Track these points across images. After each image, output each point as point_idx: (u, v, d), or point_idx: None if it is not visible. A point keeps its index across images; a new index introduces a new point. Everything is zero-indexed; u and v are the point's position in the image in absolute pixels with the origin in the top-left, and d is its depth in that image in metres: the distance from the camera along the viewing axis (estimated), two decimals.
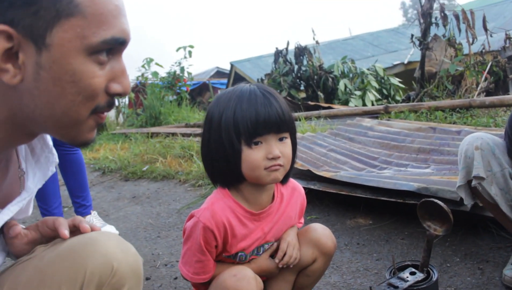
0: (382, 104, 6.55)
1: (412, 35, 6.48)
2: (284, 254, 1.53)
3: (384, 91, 7.59)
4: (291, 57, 8.98)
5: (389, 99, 7.54)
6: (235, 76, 16.74)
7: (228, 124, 1.36)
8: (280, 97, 1.44)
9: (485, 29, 6.14)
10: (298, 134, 4.54)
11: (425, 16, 6.09)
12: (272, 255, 1.57)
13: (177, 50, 10.50)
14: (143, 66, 10.54)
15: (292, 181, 1.61)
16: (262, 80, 9.02)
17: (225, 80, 18.68)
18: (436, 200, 1.56)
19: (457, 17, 6.01)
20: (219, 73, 22.56)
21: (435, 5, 6.39)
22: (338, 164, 3.55)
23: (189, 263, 1.44)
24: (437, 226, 1.62)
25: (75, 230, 1.09)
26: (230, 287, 1.36)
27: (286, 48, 9.09)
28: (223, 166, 1.41)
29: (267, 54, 15.62)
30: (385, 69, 7.97)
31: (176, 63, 10.62)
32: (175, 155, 5.63)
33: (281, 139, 1.40)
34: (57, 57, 0.85)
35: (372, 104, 7.15)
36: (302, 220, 1.72)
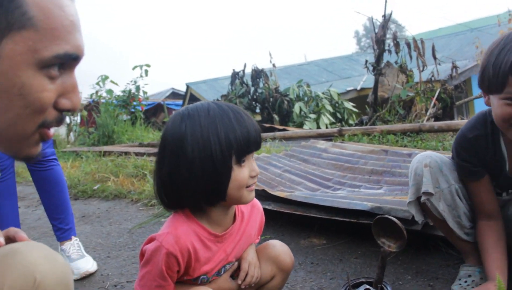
0: (336, 127, 6.68)
1: (366, 61, 6.69)
2: (246, 275, 1.51)
3: (338, 115, 7.75)
4: (247, 79, 9.06)
5: (343, 122, 7.70)
6: (190, 97, 16.71)
7: (220, 142, 1.32)
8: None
9: (434, 58, 6.42)
10: (254, 155, 4.56)
11: (379, 42, 6.30)
12: (232, 275, 1.54)
13: (133, 68, 10.40)
14: (97, 83, 10.37)
15: None
16: (218, 101, 8.99)
17: (180, 101, 18.60)
18: (390, 217, 1.58)
19: (408, 45, 6.25)
20: (174, 94, 22.44)
21: (388, 34, 6.63)
22: (293, 185, 3.57)
23: (148, 287, 1.39)
24: (391, 242, 1.64)
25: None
26: None
27: (243, 70, 9.16)
28: (205, 186, 1.35)
29: (223, 76, 15.72)
30: (339, 94, 8.15)
31: (131, 81, 10.50)
32: (128, 174, 5.52)
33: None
34: (5, 69, 0.82)
35: (326, 127, 7.27)
36: (259, 237, 1.71)
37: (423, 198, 1.83)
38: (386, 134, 5.00)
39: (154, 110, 20.21)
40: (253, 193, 1.42)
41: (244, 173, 1.37)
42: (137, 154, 6.79)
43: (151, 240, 1.39)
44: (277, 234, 3.06)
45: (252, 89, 8.89)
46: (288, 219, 3.13)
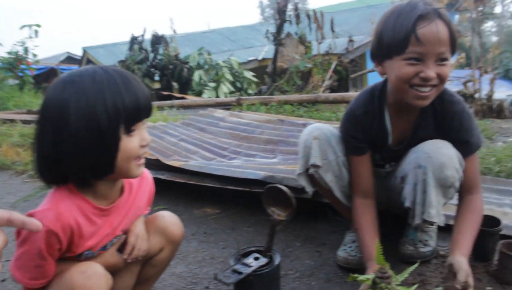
0: (235, 97, 6.67)
1: (267, 30, 6.69)
2: (133, 249, 1.43)
3: (238, 84, 7.74)
4: (147, 45, 8.71)
5: (242, 92, 7.70)
6: (87, 62, 15.86)
7: (107, 110, 1.20)
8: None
9: (333, 31, 6.58)
10: (149, 123, 4.41)
11: (280, 13, 6.33)
12: (120, 249, 1.45)
13: (21, 28, 9.54)
14: None
15: None
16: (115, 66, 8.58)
17: (76, 67, 17.55)
18: (279, 186, 1.58)
19: (309, 17, 6.35)
20: (70, 59, 21.11)
21: (290, 6, 6.67)
22: (188, 154, 3.50)
23: (26, 267, 1.26)
24: (280, 211, 1.64)
25: None
26: (78, 285, 1.22)
27: (143, 36, 8.79)
28: (91, 159, 1.23)
29: (123, 41, 15.03)
30: (240, 63, 8.12)
31: (19, 42, 9.65)
32: (13, 143, 5.11)
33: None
34: None
35: (226, 96, 7.23)
36: (149, 207, 1.64)
37: (311, 170, 1.85)
38: (284, 104, 5.08)
39: (47, 75, 18.87)
40: (142, 168, 1.34)
41: (134, 142, 1.27)
42: (24, 121, 6.33)
43: (29, 216, 1.26)
44: (171, 205, 2.99)
45: (152, 55, 8.58)
46: (183, 188, 3.07)
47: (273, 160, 3.18)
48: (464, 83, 6.23)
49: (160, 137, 3.94)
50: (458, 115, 1.73)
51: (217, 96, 7.24)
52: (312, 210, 2.54)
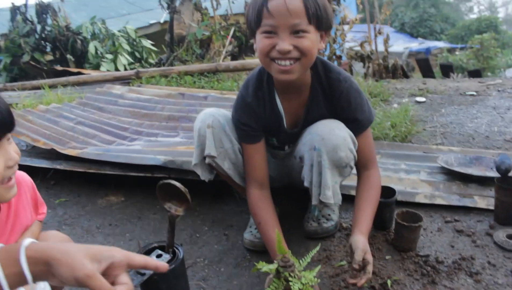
0: (135, 68, 6.43)
1: None
2: None
3: (137, 54, 7.43)
4: (32, 15, 8.03)
5: (142, 62, 7.43)
6: None
7: None
8: None
9: None
10: (42, 107, 4.13)
11: None
12: None
13: None
14: None
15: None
16: None
17: None
18: (172, 182, 1.54)
19: None
20: None
21: None
22: (87, 138, 3.34)
23: None
24: (177, 206, 1.61)
25: None
26: None
27: (25, 5, 8.06)
28: None
29: (3, 8, 13.75)
30: (136, 30, 7.77)
31: None
32: None
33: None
34: None
35: (125, 69, 6.94)
36: (44, 209, 1.53)
37: (207, 160, 1.83)
38: (184, 75, 4.96)
39: None
40: (13, 189, 1.21)
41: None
42: None
43: None
44: (73, 195, 2.86)
45: (39, 26, 7.93)
46: (84, 177, 2.93)
47: (175, 139, 3.13)
48: (361, 44, 6.43)
49: (55, 122, 3.71)
50: (346, 93, 1.75)
51: (116, 69, 6.92)
52: (218, 191, 2.54)
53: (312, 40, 1.54)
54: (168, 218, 1.65)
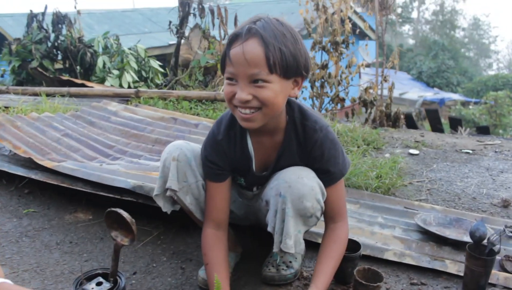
0: (138, 87, 6.45)
1: (170, 22, 6.48)
2: None
3: (144, 73, 7.47)
4: (48, 23, 8.15)
5: (148, 81, 7.46)
6: None
7: None
8: None
9: (236, 26, 6.50)
10: (34, 114, 4.12)
11: (184, 5, 6.16)
12: None
13: None
14: None
15: None
16: (9, 44, 7.97)
17: None
18: (120, 211, 1.49)
19: (212, 12, 6.23)
20: None
21: None
22: (69, 151, 3.30)
23: None
24: (124, 236, 1.55)
25: None
26: None
27: (43, 13, 8.20)
28: None
29: (20, 13, 14.03)
30: (146, 50, 7.83)
31: None
32: None
33: None
34: None
35: (129, 86, 6.97)
36: None
37: (168, 193, 1.77)
38: (182, 100, 4.95)
39: None
40: None
41: None
42: None
43: None
44: (43, 207, 2.81)
45: (53, 35, 8.04)
46: (57, 190, 2.89)
47: (155, 163, 3.08)
48: (365, 89, 6.42)
49: (42, 131, 3.69)
50: (320, 144, 1.69)
51: (120, 85, 6.95)
52: (186, 221, 2.47)
53: (273, 90, 1.49)
54: (114, 246, 1.59)
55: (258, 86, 1.47)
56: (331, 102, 6.35)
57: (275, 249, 1.71)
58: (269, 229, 1.74)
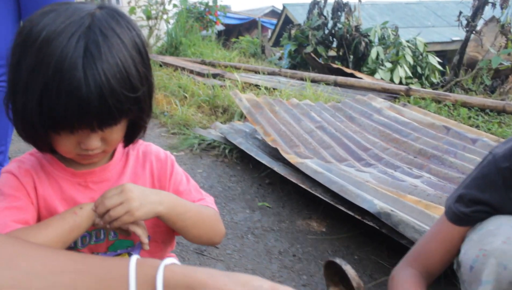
0: (408, 84, 5.84)
1: (461, 12, 5.59)
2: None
3: (419, 69, 6.78)
4: (328, 10, 8.15)
5: (423, 79, 6.75)
6: (285, 19, 15.94)
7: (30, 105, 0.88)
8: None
9: None
10: (294, 101, 3.95)
11: None
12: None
13: None
14: None
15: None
16: (290, 28, 8.26)
17: (275, 21, 17.88)
18: (346, 267, 1.01)
19: None
20: (273, 13, 21.78)
21: None
22: (319, 147, 2.97)
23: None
24: None
25: None
26: None
27: (325, 0, 8.23)
28: (29, 135, 0.94)
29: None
30: (426, 45, 7.09)
31: None
32: (170, 92, 5.12)
33: None
34: None
35: (400, 82, 6.39)
36: (201, 194, 1.15)
37: None
38: (460, 107, 4.16)
39: (249, 25, 19.65)
40: (94, 159, 0.97)
41: (66, 144, 0.90)
42: (191, 71, 6.41)
43: None
44: (278, 204, 2.56)
45: (331, 22, 7.99)
46: (297, 188, 2.58)
47: (414, 180, 2.50)
48: None
49: (298, 120, 3.46)
50: None
51: (391, 79, 6.43)
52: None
53: None
54: None
55: None
56: None
57: None
58: None
